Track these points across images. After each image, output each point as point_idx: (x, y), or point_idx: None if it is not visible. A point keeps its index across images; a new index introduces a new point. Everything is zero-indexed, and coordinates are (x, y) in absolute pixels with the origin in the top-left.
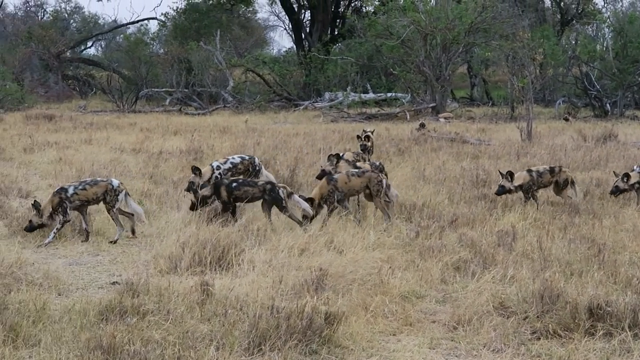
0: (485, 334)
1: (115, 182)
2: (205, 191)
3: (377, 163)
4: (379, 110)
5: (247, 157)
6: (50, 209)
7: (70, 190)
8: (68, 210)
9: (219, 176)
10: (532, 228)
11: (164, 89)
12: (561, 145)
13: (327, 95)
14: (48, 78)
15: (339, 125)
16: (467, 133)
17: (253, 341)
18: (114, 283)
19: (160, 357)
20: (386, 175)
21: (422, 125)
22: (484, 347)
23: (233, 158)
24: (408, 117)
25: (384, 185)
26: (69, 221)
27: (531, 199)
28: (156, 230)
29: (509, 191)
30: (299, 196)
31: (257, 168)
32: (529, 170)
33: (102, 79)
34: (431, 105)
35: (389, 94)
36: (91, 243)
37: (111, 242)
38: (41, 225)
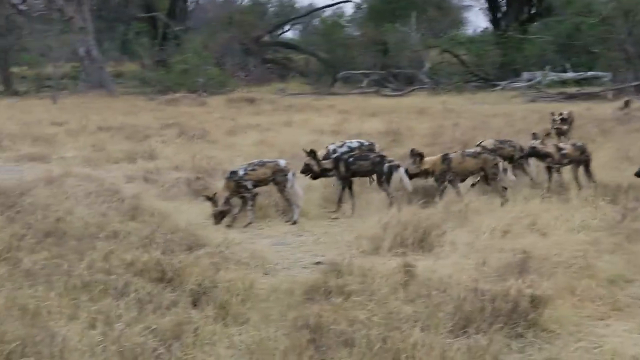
0: None
1: (282, 162)
2: (327, 164)
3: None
4: (579, 90)
5: (366, 143)
6: (226, 195)
7: (241, 172)
8: (249, 185)
9: None
10: None
11: (360, 71)
12: None
13: (525, 75)
14: (248, 62)
15: (538, 105)
16: None
17: (458, 323)
18: (318, 263)
19: (365, 337)
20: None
21: (627, 104)
22: None
23: (351, 142)
24: (610, 96)
25: (500, 169)
26: (257, 194)
27: None
28: (357, 210)
29: None
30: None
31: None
32: None
33: (300, 62)
34: (634, 83)
35: (589, 73)
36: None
37: (291, 222)
38: (221, 213)
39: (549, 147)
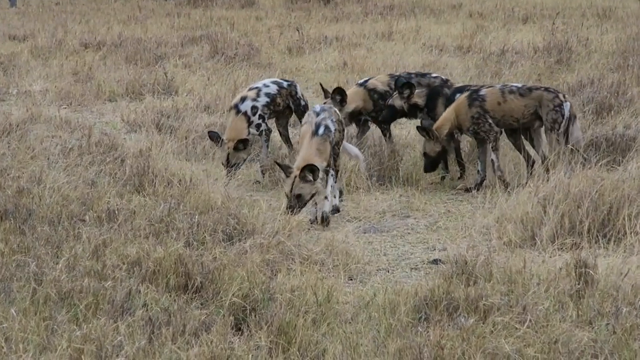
0: None
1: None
2: (420, 98)
3: None
4: None
5: (285, 83)
6: (319, 161)
7: (331, 126)
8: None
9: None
10: None
11: None
12: None
13: None
14: None
15: None
16: None
17: None
18: (435, 261)
19: None
20: None
21: None
22: None
23: (267, 85)
24: None
25: (566, 115)
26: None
27: None
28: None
29: None
30: None
31: (299, 101)
32: None
33: None
34: None
35: None
36: (396, 198)
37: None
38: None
39: None
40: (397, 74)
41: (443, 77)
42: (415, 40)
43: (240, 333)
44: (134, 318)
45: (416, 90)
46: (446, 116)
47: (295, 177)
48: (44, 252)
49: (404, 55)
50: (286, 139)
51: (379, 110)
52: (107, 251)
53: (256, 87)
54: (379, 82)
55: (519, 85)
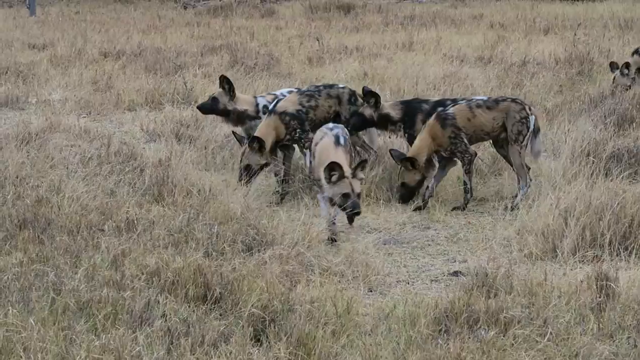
0: None
1: None
2: (391, 108)
3: None
4: None
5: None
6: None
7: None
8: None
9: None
10: None
11: None
12: None
13: None
14: None
15: None
16: None
17: None
18: (455, 273)
19: None
20: None
21: None
22: None
23: (282, 93)
24: None
25: (531, 127)
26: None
27: None
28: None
29: None
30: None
31: None
32: None
33: None
34: None
35: None
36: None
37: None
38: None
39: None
40: (304, 88)
41: (351, 88)
42: (436, 50)
43: (259, 344)
44: (153, 328)
45: (389, 103)
46: (422, 143)
47: (347, 178)
48: (63, 261)
49: (424, 66)
50: (301, 150)
51: (292, 132)
52: (126, 261)
53: (273, 94)
54: (289, 102)
55: (485, 98)
